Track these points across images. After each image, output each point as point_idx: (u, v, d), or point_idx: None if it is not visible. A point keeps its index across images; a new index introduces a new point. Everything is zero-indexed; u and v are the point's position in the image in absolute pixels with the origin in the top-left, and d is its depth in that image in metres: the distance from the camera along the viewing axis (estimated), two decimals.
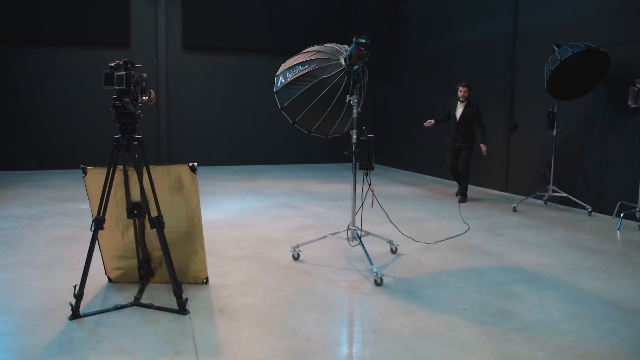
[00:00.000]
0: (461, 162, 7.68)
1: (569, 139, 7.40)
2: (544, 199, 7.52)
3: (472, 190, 8.99)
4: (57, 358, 2.84)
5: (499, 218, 6.69)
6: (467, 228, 5.49)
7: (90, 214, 3.82)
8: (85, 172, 3.81)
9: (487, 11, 9.12)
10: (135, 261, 3.94)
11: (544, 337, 3.15)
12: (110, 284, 4.05)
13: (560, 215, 6.90)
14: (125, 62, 3.40)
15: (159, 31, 11.90)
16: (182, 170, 3.74)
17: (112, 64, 3.38)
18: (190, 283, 4.01)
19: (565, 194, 7.09)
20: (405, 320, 3.39)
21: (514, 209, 7.10)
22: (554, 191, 7.22)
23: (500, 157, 8.80)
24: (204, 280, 4.03)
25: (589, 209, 6.83)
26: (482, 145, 7.39)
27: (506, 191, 8.68)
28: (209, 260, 4.23)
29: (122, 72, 3.34)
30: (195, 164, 3.72)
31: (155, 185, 3.56)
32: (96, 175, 3.76)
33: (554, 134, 7.12)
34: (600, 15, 6.91)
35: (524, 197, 7.59)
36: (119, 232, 3.94)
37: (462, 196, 7.81)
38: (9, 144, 11.14)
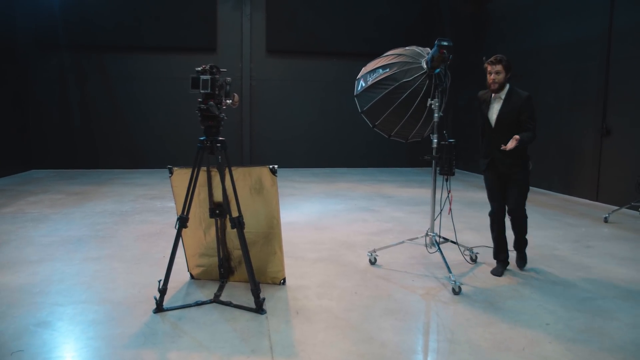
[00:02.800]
0: (511, 202, 4.45)
1: None
2: None
3: (559, 198, 8.54)
4: (142, 348, 2.99)
5: (588, 229, 6.30)
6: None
7: (175, 212, 3.98)
8: (171, 172, 3.99)
9: (579, 8, 8.62)
10: (216, 259, 4.07)
11: None
12: (192, 280, 4.21)
13: None
14: (210, 66, 3.52)
15: (244, 36, 12.28)
16: (263, 172, 3.82)
17: (199, 69, 3.50)
18: (268, 283, 4.08)
19: None
20: (484, 332, 3.26)
21: (606, 220, 6.65)
22: None
23: (591, 163, 8.28)
24: (282, 281, 4.10)
25: None
26: (515, 136, 4.15)
27: (597, 200, 8.15)
28: (287, 261, 4.29)
29: (207, 77, 3.46)
30: (276, 166, 3.79)
31: (236, 187, 3.66)
32: (181, 175, 3.92)
33: None
34: None
35: (617, 208, 7.09)
36: (202, 231, 4.09)
37: (521, 260, 4.69)
38: (106, 144, 11.95)
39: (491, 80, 4.34)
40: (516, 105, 4.30)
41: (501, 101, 4.38)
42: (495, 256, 4.62)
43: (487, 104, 4.48)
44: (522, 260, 4.69)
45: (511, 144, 4.13)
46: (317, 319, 3.46)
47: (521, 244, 4.65)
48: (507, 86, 4.36)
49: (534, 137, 4.28)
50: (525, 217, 4.51)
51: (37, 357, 2.89)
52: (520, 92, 4.36)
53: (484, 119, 4.50)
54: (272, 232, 3.98)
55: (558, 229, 6.22)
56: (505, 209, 4.53)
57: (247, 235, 3.66)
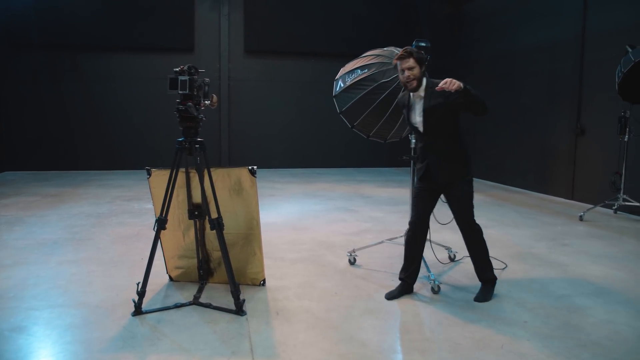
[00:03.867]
0: (461, 219, 3.87)
1: None
2: (614, 207, 7.14)
3: (535, 197, 8.68)
4: (121, 352, 2.95)
5: (564, 227, 6.41)
6: (505, 266, 4.96)
7: (154, 213, 3.95)
8: (149, 174, 3.95)
9: (553, 12, 8.78)
10: (195, 261, 4.04)
11: (614, 355, 2.98)
12: (171, 282, 4.17)
13: (632, 225, 6.53)
14: (189, 67, 3.49)
15: (222, 36, 12.21)
16: (242, 173, 3.80)
17: (177, 69, 3.48)
18: (248, 284, 4.07)
19: (637, 203, 6.71)
20: (463, 330, 3.30)
21: (581, 218, 6.78)
22: (624, 200, 6.85)
23: (566, 163, 8.44)
24: (261, 282, 4.09)
25: None
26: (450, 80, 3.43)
27: (572, 199, 8.31)
28: (267, 262, 4.28)
29: (185, 77, 3.43)
30: (255, 167, 3.78)
31: (215, 188, 3.64)
32: (160, 177, 3.89)
33: (626, 139, 6.77)
34: None
35: (591, 206, 7.24)
36: (180, 233, 4.06)
37: (486, 293, 3.90)
38: (82, 145, 11.75)
39: (405, 78, 3.72)
40: (440, 95, 3.65)
41: (422, 99, 3.77)
42: (400, 274, 3.99)
43: (408, 108, 3.88)
44: (487, 293, 3.87)
45: (451, 85, 3.39)
46: (298, 319, 3.46)
47: (486, 266, 3.91)
48: (425, 81, 3.77)
49: (482, 100, 3.59)
50: (480, 230, 3.88)
51: None
52: (438, 81, 3.59)
53: (410, 125, 3.93)
54: (251, 233, 3.97)
55: (534, 227, 6.32)
56: (426, 223, 3.95)
57: (226, 237, 3.64)
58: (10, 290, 3.93)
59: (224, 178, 3.85)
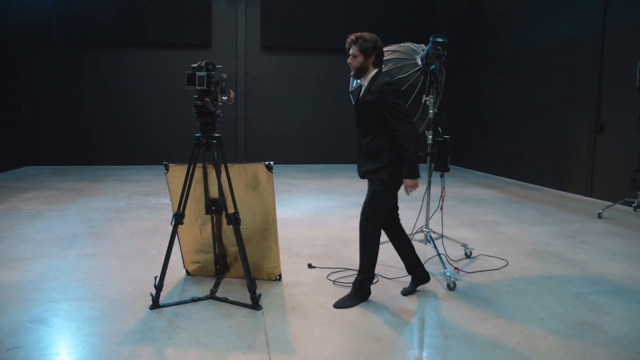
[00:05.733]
0: (362, 215, 3.69)
1: None
2: (634, 205, 7.03)
3: (553, 194, 8.59)
4: (138, 345, 2.99)
5: (582, 224, 6.34)
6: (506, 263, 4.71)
7: (171, 208, 3.98)
8: (167, 169, 3.98)
9: (573, 6, 8.65)
10: (211, 256, 4.08)
11: (633, 355, 2.94)
12: (188, 276, 4.21)
13: None
14: (206, 63, 3.51)
15: (239, 32, 12.24)
16: (259, 168, 3.82)
17: (194, 65, 3.50)
18: (264, 279, 4.09)
19: None
20: (480, 327, 3.28)
21: (599, 215, 6.69)
22: None
23: (585, 160, 8.33)
24: (277, 277, 4.11)
25: None
26: (406, 180, 3.55)
27: (591, 196, 8.20)
28: (283, 257, 4.30)
29: (203, 73, 3.45)
30: (272, 162, 3.79)
31: (232, 183, 3.66)
32: (177, 172, 3.92)
33: None
34: None
35: (610, 203, 7.13)
36: (198, 227, 4.09)
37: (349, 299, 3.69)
38: (100, 141, 11.89)
39: (350, 63, 3.62)
40: (375, 95, 3.49)
41: (363, 89, 3.65)
42: (408, 270, 3.96)
43: (357, 94, 3.74)
44: (348, 299, 3.65)
45: (410, 185, 3.53)
46: (313, 314, 3.47)
47: (360, 270, 3.71)
48: (374, 72, 3.59)
49: (408, 134, 3.42)
50: (368, 236, 3.66)
51: (33, 353, 2.88)
52: (384, 78, 3.54)
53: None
54: (268, 229, 3.99)
55: (552, 224, 6.25)
56: (389, 221, 3.86)
57: (242, 232, 3.66)
58: (31, 282, 4.01)
59: (240, 173, 3.87)
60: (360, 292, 3.70)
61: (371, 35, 3.57)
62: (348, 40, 3.59)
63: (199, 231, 4.11)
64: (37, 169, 11.06)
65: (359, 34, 3.58)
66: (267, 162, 3.80)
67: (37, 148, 11.60)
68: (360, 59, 3.55)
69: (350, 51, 3.58)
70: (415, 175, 3.49)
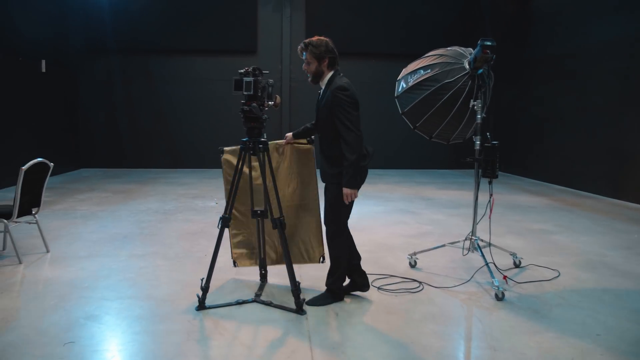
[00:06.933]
0: (325, 218, 3.76)
1: None
2: None
3: (607, 202, 8.26)
4: (185, 344, 3.05)
5: None
6: (557, 274, 4.62)
7: (216, 212, 4.03)
8: (222, 152, 4.09)
9: (626, 4, 8.30)
10: (256, 244, 4.12)
11: None
12: (233, 279, 4.26)
13: None
14: (253, 68, 3.55)
15: (284, 38, 12.37)
16: (303, 148, 4.07)
17: (241, 71, 3.54)
18: (305, 262, 4.11)
19: None
20: (530, 340, 3.18)
21: None
22: None
23: None
24: (321, 259, 4.10)
25: None
26: (344, 189, 3.47)
27: None
28: (326, 263, 4.28)
29: (250, 79, 3.49)
30: (312, 137, 3.93)
31: (279, 161, 3.87)
32: (231, 155, 4.04)
33: None
34: None
35: None
36: (247, 217, 4.13)
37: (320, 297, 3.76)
38: (150, 144, 12.26)
39: (304, 71, 3.67)
40: (329, 100, 3.51)
41: (321, 94, 3.69)
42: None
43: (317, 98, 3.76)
44: (319, 299, 3.71)
45: (346, 194, 3.45)
46: (357, 321, 3.45)
47: (330, 272, 3.76)
48: (329, 74, 3.63)
49: (351, 143, 3.46)
50: (336, 237, 3.68)
51: (87, 349, 2.98)
52: (339, 81, 3.56)
53: None
54: (310, 205, 4.03)
55: (606, 234, 6.01)
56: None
57: (287, 209, 3.84)
58: (84, 280, 4.15)
59: (291, 153, 4.04)
60: (332, 292, 3.75)
61: (320, 39, 3.61)
62: (298, 48, 3.64)
63: (248, 220, 4.14)
64: (91, 171, 11.50)
65: (307, 40, 3.62)
66: (308, 138, 3.99)
67: (91, 151, 12.09)
68: (314, 64, 3.59)
69: (304, 57, 3.61)
70: (353, 185, 3.46)
